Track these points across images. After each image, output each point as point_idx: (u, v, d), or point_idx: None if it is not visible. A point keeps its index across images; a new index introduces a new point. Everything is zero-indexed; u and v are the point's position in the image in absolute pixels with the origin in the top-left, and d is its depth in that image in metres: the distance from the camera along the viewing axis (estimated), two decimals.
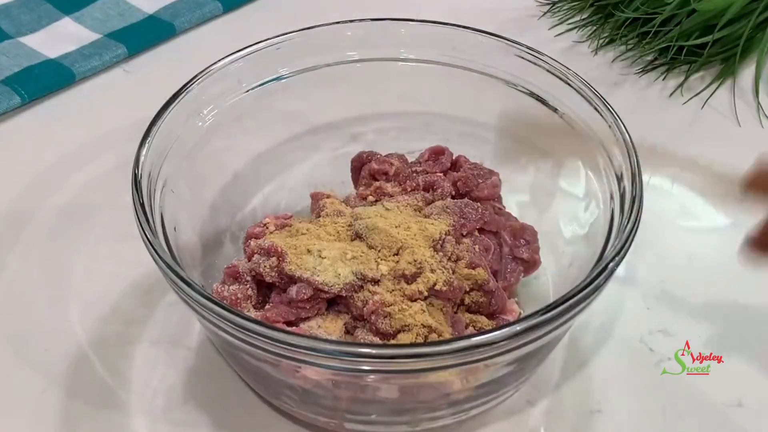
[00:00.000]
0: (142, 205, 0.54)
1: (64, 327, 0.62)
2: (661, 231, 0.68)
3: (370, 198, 0.63)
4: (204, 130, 0.62)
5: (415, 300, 0.55)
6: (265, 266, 0.57)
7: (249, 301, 0.57)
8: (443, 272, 0.56)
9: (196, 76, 0.61)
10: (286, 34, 0.65)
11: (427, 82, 0.67)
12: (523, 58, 0.63)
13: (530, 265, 0.61)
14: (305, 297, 0.55)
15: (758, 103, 0.80)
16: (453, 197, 0.63)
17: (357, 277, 0.55)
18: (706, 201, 0.72)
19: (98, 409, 0.58)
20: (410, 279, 0.55)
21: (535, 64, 0.63)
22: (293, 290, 0.55)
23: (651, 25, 0.83)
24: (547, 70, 0.63)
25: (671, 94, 0.80)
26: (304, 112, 0.67)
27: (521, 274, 0.61)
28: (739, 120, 0.78)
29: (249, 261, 0.59)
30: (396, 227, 0.57)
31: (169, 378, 0.60)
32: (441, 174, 0.64)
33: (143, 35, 0.87)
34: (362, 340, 0.54)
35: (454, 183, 0.63)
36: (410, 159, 0.66)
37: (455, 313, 0.57)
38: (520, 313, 0.59)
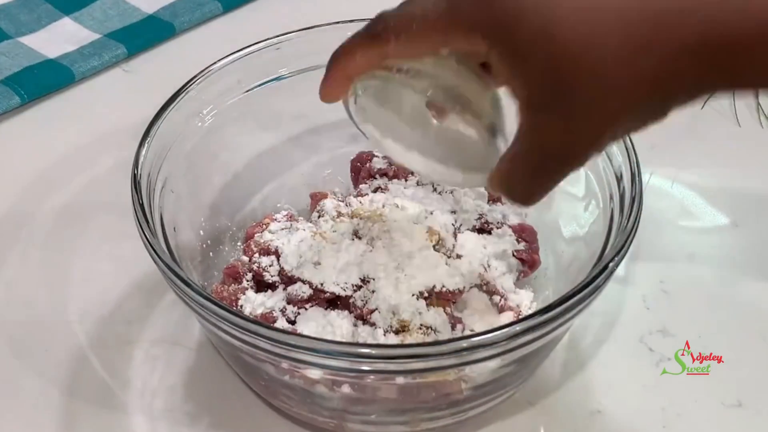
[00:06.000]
0: (142, 205, 0.54)
1: (64, 327, 0.62)
2: (661, 231, 0.68)
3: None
4: (204, 130, 0.62)
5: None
6: (264, 266, 0.57)
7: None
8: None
9: (196, 76, 0.61)
10: (286, 34, 0.65)
11: None
12: None
13: (530, 265, 0.61)
14: (304, 297, 0.55)
15: (758, 103, 0.79)
16: None
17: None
18: (706, 201, 0.72)
19: (98, 409, 0.58)
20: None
21: None
22: (293, 290, 0.55)
23: None
24: None
25: None
26: (304, 112, 0.67)
27: (521, 274, 0.61)
28: (739, 120, 0.78)
29: (249, 261, 0.59)
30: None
31: (169, 378, 0.60)
32: None
33: (143, 35, 0.87)
34: (362, 340, 0.54)
35: None
36: None
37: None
38: (518, 314, 0.59)
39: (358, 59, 0.46)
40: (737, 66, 0.39)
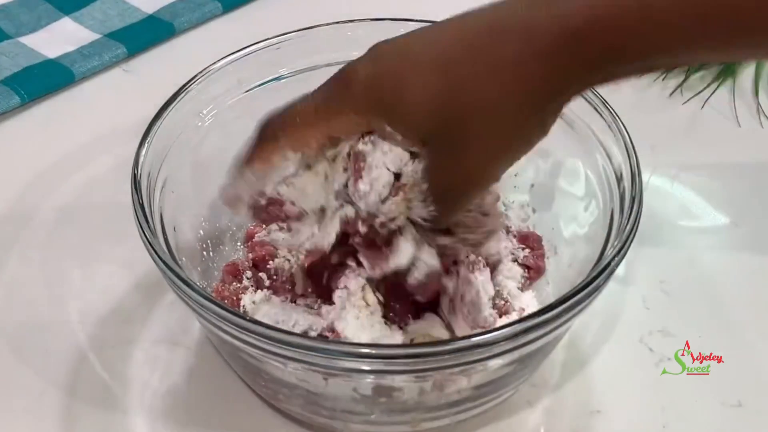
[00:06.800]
0: (142, 205, 0.54)
1: (64, 327, 0.62)
2: (661, 231, 0.68)
3: None
4: (204, 130, 0.62)
5: None
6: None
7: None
8: None
9: (196, 76, 0.61)
10: (286, 34, 0.65)
11: None
12: None
13: (536, 270, 0.61)
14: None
15: (758, 103, 0.80)
16: None
17: None
18: (706, 201, 0.72)
19: (98, 409, 0.58)
20: None
21: None
22: None
23: None
24: None
25: (671, 94, 0.80)
26: None
27: (527, 279, 0.61)
28: (738, 120, 0.78)
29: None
30: None
31: (169, 378, 0.60)
32: None
33: (143, 35, 0.87)
34: None
35: None
36: None
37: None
38: (520, 311, 0.59)
39: (257, 164, 0.52)
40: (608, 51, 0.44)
